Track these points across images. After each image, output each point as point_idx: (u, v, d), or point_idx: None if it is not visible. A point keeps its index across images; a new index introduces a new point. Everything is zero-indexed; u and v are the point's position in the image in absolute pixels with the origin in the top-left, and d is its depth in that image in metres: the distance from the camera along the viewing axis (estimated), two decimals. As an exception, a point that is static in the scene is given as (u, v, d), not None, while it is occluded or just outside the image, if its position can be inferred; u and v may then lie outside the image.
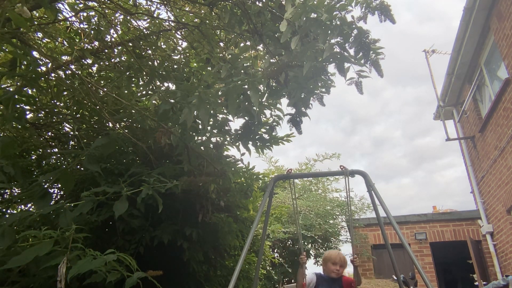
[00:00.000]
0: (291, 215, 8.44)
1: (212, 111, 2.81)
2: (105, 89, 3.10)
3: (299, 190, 11.02)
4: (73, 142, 3.52)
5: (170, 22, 3.52)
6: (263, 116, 3.32)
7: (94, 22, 3.28)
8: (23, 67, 2.56)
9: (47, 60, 2.76)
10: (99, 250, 1.91)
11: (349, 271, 4.52)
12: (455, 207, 11.29)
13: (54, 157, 3.39)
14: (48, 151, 3.40)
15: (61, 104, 3.43)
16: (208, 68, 3.32)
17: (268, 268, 5.94)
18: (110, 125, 3.26)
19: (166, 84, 3.54)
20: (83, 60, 3.26)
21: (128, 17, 3.37)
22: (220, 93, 2.43)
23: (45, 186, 2.26)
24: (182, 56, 3.82)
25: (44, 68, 2.78)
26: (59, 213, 2.09)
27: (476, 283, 8.27)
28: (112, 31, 3.42)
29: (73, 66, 3.15)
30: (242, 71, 2.65)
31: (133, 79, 3.42)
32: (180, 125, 2.72)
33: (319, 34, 2.20)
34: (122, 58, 3.52)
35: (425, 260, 9.71)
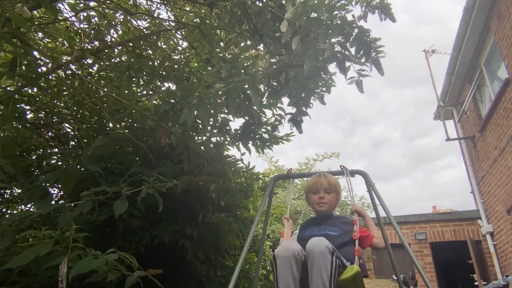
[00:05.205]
0: (292, 215, 8.44)
1: (212, 111, 2.81)
2: (105, 89, 3.10)
3: (299, 190, 11.02)
4: (73, 142, 3.52)
5: (170, 22, 3.52)
6: (264, 116, 3.32)
7: (94, 22, 3.28)
8: (23, 67, 2.56)
9: (47, 60, 2.76)
10: (99, 250, 1.91)
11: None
12: (454, 208, 11.30)
13: (55, 157, 3.39)
14: (48, 151, 3.40)
15: (61, 104, 3.43)
16: (208, 68, 3.32)
17: (268, 268, 5.94)
18: (110, 125, 3.26)
19: (166, 84, 3.54)
20: (83, 60, 3.26)
21: (128, 17, 3.37)
22: (220, 93, 2.43)
23: (45, 186, 2.26)
24: (182, 56, 3.82)
25: (44, 68, 2.78)
26: (59, 213, 2.09)
27: (476, 283, 8.27)
28: (112, 31, 3.42)
29: (73, 66, 3.15)
30: (242, 71, 2.65)
31: (133, 79, 3.42)
32: (180, 125, 2.72)
33: (320, 33, 2.20)
34: (122, 58, 3.52)
35: (425, 260, 9.71)
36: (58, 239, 1.86)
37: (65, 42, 3.39)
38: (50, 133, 3.50)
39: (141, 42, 3.45)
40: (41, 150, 3.35)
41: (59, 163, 3.30)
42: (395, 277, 6.50)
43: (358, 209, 2.18)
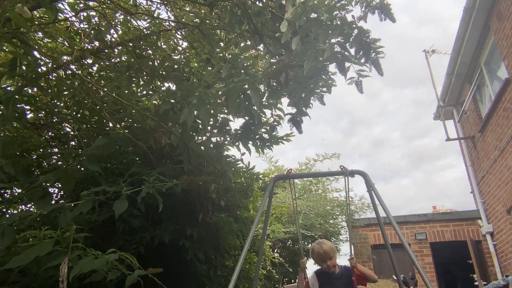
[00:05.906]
0: (291, 215, 8.44)
1: (212, 111, 2.81)
2: (105, 89, 3.10)
3: (299, 190, 11.01)
4: (73, 142, 3.52)
5: (170, 22, 3.51)
6: (263, 116, 3.32)
7: (94, 22, 3.28)
8: (23, 67, 2.56)
9: (47, 60, 2.76)
10: (100, 250, 1.91)
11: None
12: (454, 208, 11.30)
13: (55, 157, 3.39)
14: (48, 151, 3.40)
15: (61, 104, 3.43)
16: (209, 68, 3.32)
17: (268, 268, 5.95)
18: (110, 125, 3.26)
19: (166, 84, 3.54)
20: (83, 60, 3.26)
21: (128, 17, 3.37)
22: (220, 93, 2.43)
23: (45, 186, 2.26)
24: (182, 56, 3.82)
25: (44, 68, 2.78)
26: (59, 213, 2.09)
27: (476, 283, 8.27)
28: (112, 31, 3.41)
29: (73, 66, 3.15)
30: (242, 71, 2.65)
31: (133, 79, 3.42)
32: (180, 125, 2.72)
33: (320, 34, 2.20)
34: (122, 58, 3.51)
35: (425, 260, 9.71)
36: (58, 239, 1.86)
37: (65, 42, 3.39)
38: (50, 133, 3.50)
39: (141, 42, 3.45)
40: (41, 150, 3.35)
41: (59, 163, 3.30)
42: (395, 277, 6.50)
43: (352, 264, 2.88)
